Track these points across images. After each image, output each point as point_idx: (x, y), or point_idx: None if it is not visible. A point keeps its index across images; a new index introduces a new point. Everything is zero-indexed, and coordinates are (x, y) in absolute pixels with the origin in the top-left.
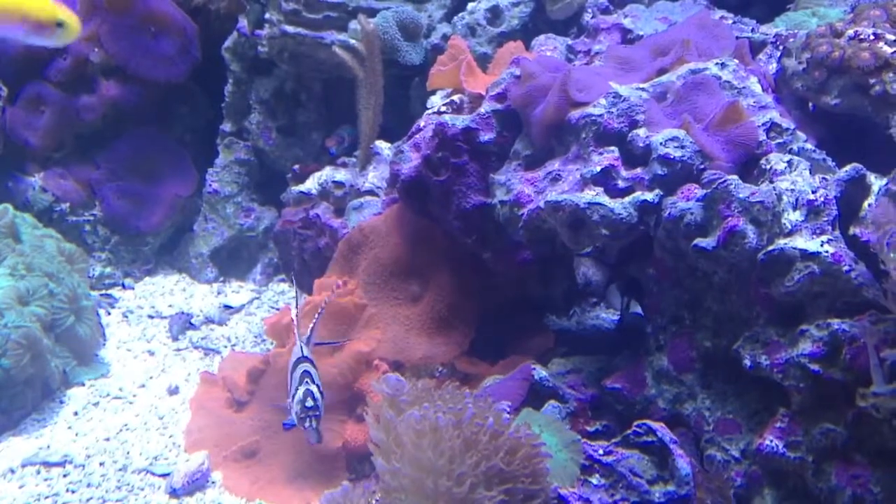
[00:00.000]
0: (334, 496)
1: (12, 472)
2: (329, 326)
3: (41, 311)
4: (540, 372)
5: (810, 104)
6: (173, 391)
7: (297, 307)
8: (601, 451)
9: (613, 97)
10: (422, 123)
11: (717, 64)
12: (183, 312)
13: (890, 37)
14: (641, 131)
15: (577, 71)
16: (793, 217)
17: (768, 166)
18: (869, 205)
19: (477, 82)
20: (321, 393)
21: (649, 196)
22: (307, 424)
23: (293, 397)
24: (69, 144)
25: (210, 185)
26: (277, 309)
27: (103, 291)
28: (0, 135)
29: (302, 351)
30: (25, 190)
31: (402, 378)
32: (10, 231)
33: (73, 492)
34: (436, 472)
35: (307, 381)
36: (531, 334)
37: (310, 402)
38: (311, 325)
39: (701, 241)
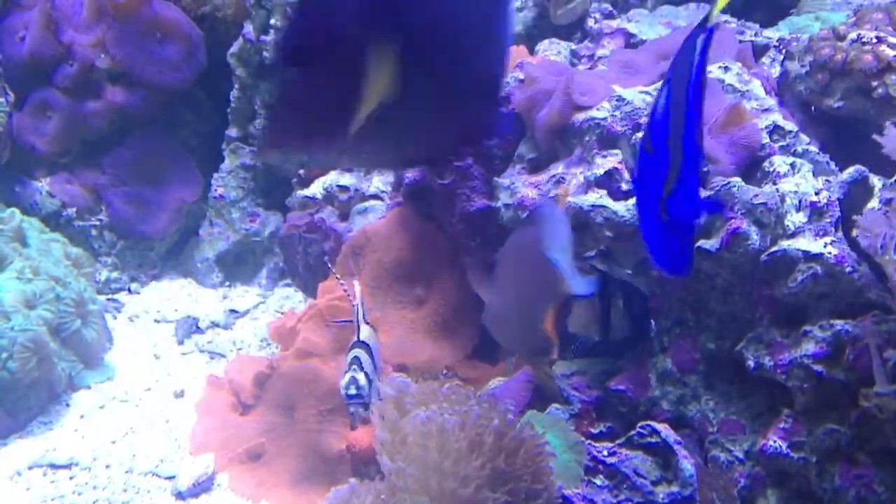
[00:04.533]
0: (342, 494)
1: (19, 474)
2: (333, 331)
3: (48, 315)
4: None
5: (813, 107)
6: (179, 395)
7: (357, 290)
8: (605, 453)
9: (617, 100)
10: None
11: (719, 67)
12: (189, 317)
13: (892, 40)
14: None
15: (580, 75)
16: (796, 219)
17: (771, 168)
18: (867, 210)
19: None
20: (369, 379)
21: None
22: (351, 410)
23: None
24: (75, 150)
25: (215, 191)
26: (283, 313)
27: (109, 296)
28: (7, 140)
29: (358, 334)
30: (32, 195)
31: (408, 379)
32: (17, 235)
33: (79, 494)
34: (441, 473)
35: (354, 368)
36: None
37: (352, 391)
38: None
39: (704, 243)
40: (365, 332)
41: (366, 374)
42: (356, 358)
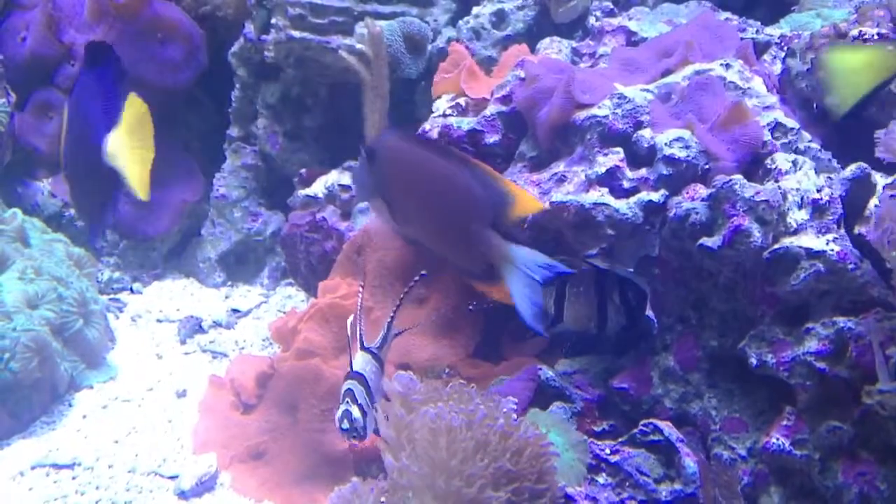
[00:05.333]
0: (344, 493)
1: (22, 474)
2: (334, 329)
3: (50, 315)
4: (546, 372)
5: (815, 104)
6: (181, 394)
7: (359, 316)
8: (608, 451)
9: (618, 98)
10: (427, 126)
11: (721, 65)
12: (192, 316)
13: (894, 37)
14: (646, 132)
15: (581, 73)
16: (798, 216)
17: (773, 166)
18: (876, 205)
19: (479, 86)
20: (364, 411)
21: (654, 196)
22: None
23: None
24: None
25: (217, 190)
26: (285, 313)
27: (112, 296)
28: (9, 141)
29: (351, 364)
30: (34, 195)
31: (415, 377)
32: (19, 235)
33: (82, 494)
34: (448, 471)
35: (347, 401)
36: (528, 335)
37: (345, 425)
38: (383, 332)
39: (706, 241)
40: (359, 363)
41: (360, 405)
42: (349, 390)
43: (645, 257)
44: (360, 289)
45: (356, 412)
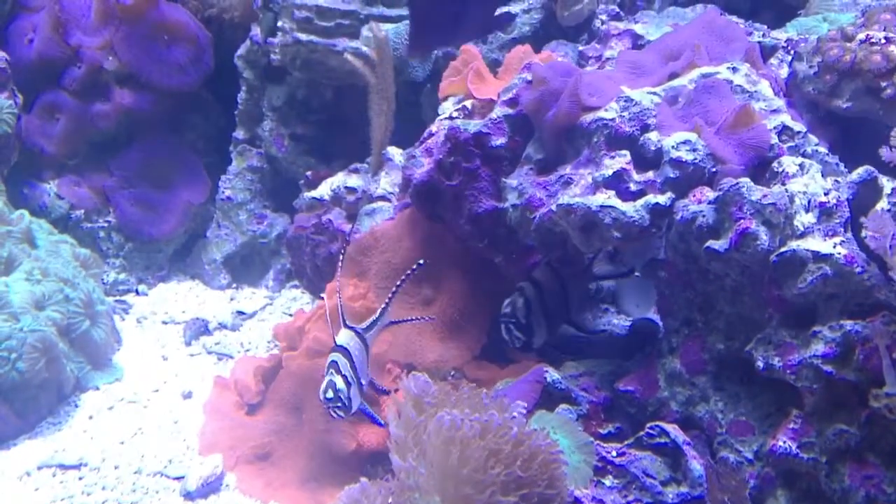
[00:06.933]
0: (353, 492)
1: (28, 474)
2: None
3: (57, 316)
4: (552, 374)
5: (821, 108)
6: (187, 396)
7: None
8: (614, 453)
9: (625, 101)
10: (434, 129)
11: (728, 68)
12: (198, 318)
13: None
14: (653, 135)
15: (588, 75)
16: (805, 219)
17: (780, 169)
18: (872, 213)
19: (487, 88)
20: (348, 382)
21: (661, 199)
22: (332, 415)
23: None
24: (83, 152)
25: (223, 192)
26: (290, 315)
27: (117, 297)
28: (16, 142)
29: (335, 339)
30: (41, 196)
31: (430, 380)
32: (26, 237)
33: (88, 494)
34: (458, 479)
35: (331, 372)
36: None
37: (329, 394)
38: (380, 309)
39: (713, 244)
40: (343, 337)
41: (344, 377)
42: (333, 362)
43: (651, 260)
44: (338, 273)
45: (340, 382)
